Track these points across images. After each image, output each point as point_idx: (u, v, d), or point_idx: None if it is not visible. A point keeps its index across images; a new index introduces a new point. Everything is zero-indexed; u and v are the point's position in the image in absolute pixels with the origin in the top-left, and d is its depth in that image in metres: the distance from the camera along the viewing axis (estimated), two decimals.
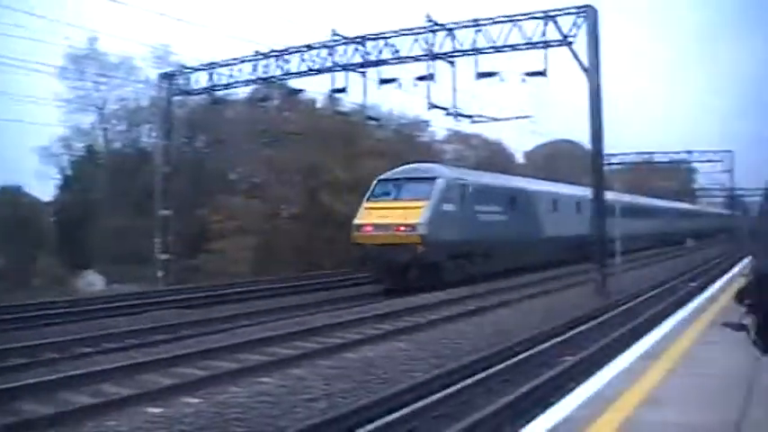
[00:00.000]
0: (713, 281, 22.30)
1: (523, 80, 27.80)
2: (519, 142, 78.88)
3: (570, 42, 26.27)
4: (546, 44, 26.72)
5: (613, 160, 63.69)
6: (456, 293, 23.91)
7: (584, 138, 30.18)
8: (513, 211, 32.17)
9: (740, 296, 1.81)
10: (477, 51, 27.85)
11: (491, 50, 27.69)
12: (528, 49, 27.18)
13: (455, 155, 62.70)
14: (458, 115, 30.12)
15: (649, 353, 8.37)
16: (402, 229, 25.14)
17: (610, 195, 30.01)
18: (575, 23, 26.26)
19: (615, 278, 27.63)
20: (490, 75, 28.07)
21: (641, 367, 7.47)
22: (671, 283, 28.35)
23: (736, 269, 25.29)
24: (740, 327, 1.86)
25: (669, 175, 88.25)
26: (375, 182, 28.88)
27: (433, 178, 27.35)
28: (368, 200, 27.83)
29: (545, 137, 56.58)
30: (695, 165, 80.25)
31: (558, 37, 26.46)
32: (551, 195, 37.13)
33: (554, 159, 69.76)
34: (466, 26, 27.86)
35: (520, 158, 74.63)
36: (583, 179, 37.62)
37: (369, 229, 26.11)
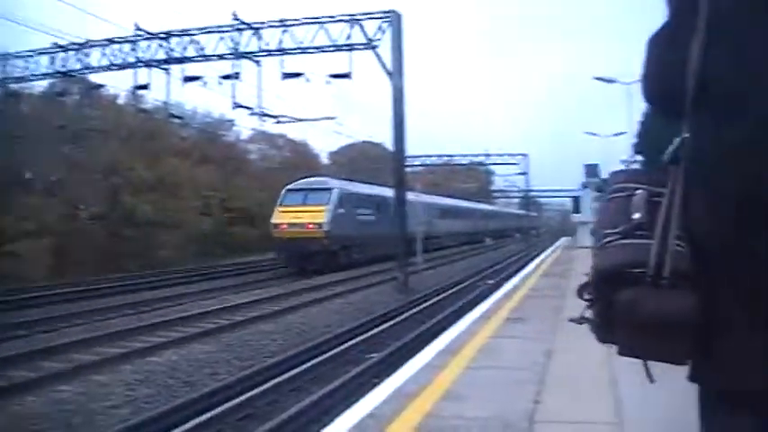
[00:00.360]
0: (509, 278, 23.23)
1: (328, 82, 28.07)
2: (325, 143, 79.30)
3: (375, 46, 26.73)
4: (351, 47, 27.08)
5: (415, 162, 65.28)
6: (264, 294, 23.85)
7: (388, 139, 30.85)
8: (378, 213, 39.34)
9: (581, 291, 1.93)
10: (282, 52, 27.87)
11: (297, 51, 27.78)
12: (334, 51, 27.45)
13: (260, 155, 62.37)
14: (263, 115, 30.10)
15: (449, 348, 8.59)
16: (311, 226, 32.79)
17: (418, 197, 32.00)
18: (380, 28, 26.74)
19: (418, 276, 28.38)
20: (296, 75, 28.18)
21: (441, 362, 7.65)
22: (470, 281, 29.37)
23: (530, 267, 26.49)
24: (582, 320, 1.98)
25: (469, 176, 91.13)
26: (284, 191, 36.39)
27: (330, 189, 35.30)
28: (280, 205, 35.52)
29: (350, 138, 57.27)
30: (493, 167, 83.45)
31: (364, 40, 26.87)
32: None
33: (358, 160, 70.49)
34: (272, 26, 27.81)
35: (325, 159, 75.18)
36: (389, 180, 38.81)
37: (285, 226, 33.90)
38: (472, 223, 70.66)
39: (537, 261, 30.35)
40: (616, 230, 1.88)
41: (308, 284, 26.81)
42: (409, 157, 43.02)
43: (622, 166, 42.56)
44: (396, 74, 26.51)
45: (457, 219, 63.01)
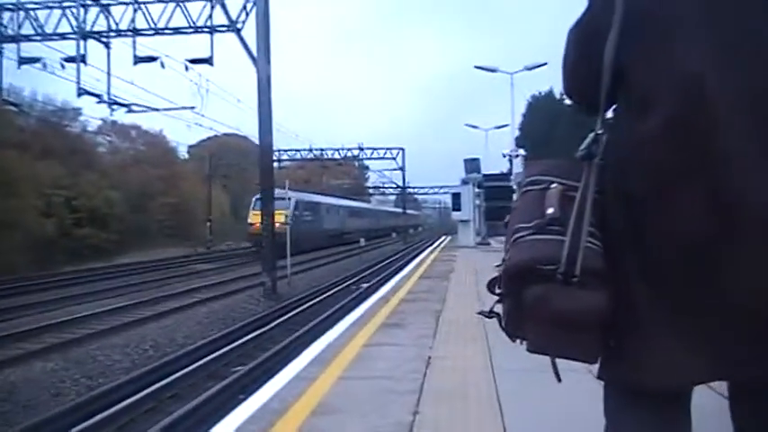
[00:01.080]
0: (385, 282, 23.33)
1: (187, 67, 27.61)
2: (185, 135, 78.23)
3: (239, 28, 26.39)
4: (212, 29, 26.64)
5: (284, 156, 65.09)
6: (117, 303, 23.26)
7: (255, 132, 30.68)
8: (315, 215, 56.30)
9: (491, 286, 1.99)
10: (135, 32, 27.18)
11: (151, 32, 27.19)
12: (192, 33, 26.98)
13: (110, 148, 60.87)
14: (113, 103, 29.17)
15: (321, 358, 8.54)
16: (278, 225, 36.92)
17: (288, 193, 33.52)
18: (244, 8, 26.41)
19: (287, 280, 28.30)
20: (150, 60, 27.52)
21: (313, 374, 7.60)
22: (344, 285, 29.46)
23: (408, 268, 26.73)
24: (491, 314, 2.05)
25: (342, 171, 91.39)
26: (254, 199, 48.60)
27: (289, 198, 42.77)
28: (254, 209, 48.53)
29: (212, 130, 56.49)
30: (368, 162, 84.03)
31: (226, 22, 26.52)
32: (327, 205, 62.84)
33: (221, 154, 69.53)
34: (123, 2, 27.10)
35: (184, 152, 74.01)
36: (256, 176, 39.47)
37: (258, 225, 41.70)
38: (352, 222, 73.45)
39: (416, 262, 30.65)
40: (529, 225, 1.94)
41: (166, 291, 26.32)
42: (278, 150, 46.19)
43: (506, 160, 43.51)
44: (262, 60, 26.13)
45: (341, 217, 70.31)
